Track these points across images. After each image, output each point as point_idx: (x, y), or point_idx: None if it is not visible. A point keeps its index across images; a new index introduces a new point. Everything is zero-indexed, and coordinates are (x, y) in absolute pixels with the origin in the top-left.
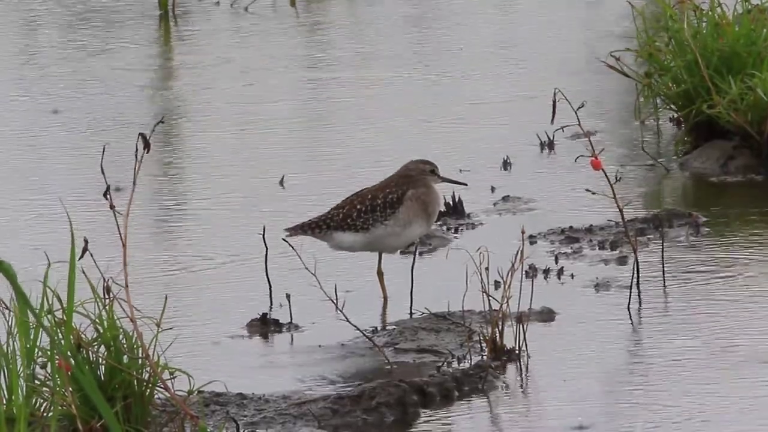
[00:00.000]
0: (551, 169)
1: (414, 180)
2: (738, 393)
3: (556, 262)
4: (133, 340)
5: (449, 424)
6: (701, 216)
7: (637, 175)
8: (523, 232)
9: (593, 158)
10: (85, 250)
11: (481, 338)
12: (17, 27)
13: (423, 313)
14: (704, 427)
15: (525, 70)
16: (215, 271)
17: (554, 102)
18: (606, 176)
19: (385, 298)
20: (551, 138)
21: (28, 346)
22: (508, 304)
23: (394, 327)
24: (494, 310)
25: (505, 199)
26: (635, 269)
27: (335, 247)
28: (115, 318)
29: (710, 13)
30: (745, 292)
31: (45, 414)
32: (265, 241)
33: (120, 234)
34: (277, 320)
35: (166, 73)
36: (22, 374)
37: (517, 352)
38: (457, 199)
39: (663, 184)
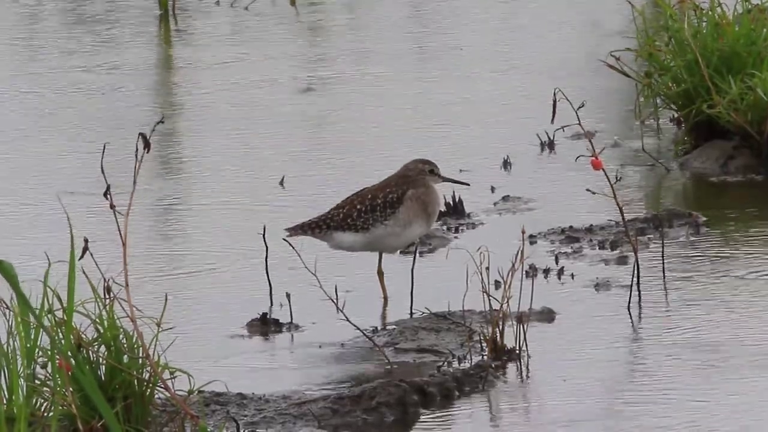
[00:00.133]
0: (551, 169)
1: (413, 180)
2: (738, 393)
3: (557, 262)
4: (134, 340)
5: (449, 424)
6: (701, 216)
7: (637, 175)
8: (523, 232)
9: (593, 158)
10: (85, 250)
11: (482, 338)
12: (17, 26)
13: (423, 313)
14: (704, 427)
15: (525, 70)
16: (215, 271)
17: (554, 102)
18: (606, 176)
19: (386, 298)
20: (551, 138)
21: (28, 346)
22: (508, 304)
23: (394, 327)
24: (494, 310)
25: (505, 199)
26: (635, 269)
27: (335, 247)
28: (116, 318)
29: (710, 12)
30: (745, 292)
31: (45, 414)
32: (265, 241)
33: (120, 234)
34: (277, 320)
35: (166, 72)
36: (22, 374)
37: (517, 352)
38: (457, 199)
39: (663, 184)
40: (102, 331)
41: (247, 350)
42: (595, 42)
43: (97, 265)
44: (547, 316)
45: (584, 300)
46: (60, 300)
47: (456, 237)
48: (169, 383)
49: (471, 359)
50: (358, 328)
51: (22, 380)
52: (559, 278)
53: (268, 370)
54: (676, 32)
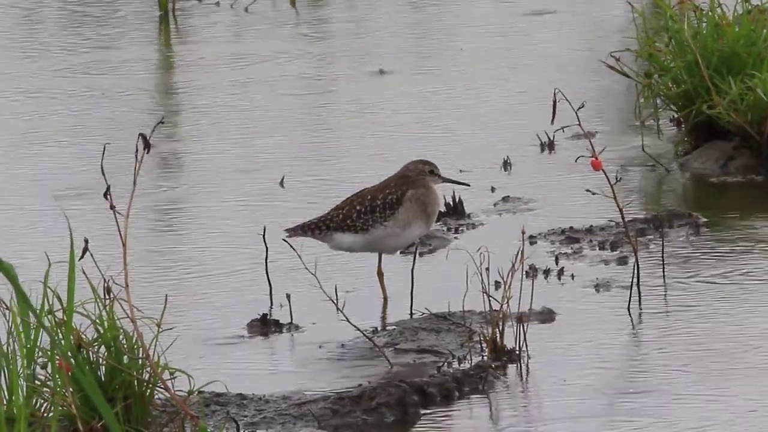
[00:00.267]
0: (551, 170)
1: (413, 180)
2: (738, 393)
3: (557, 263)
4: (134, 341)
5: (449, 425)
6: (701, 216)
7: (637, 176)
8: (523, 233)
9: (593, 158)
10: (85, 250)
11: (482, 338)
12: (17, 26)
13: (423, 314)
14: (704, 427)
15: (525, 70)
16: (215, 271)
17: (554, 102)
18: (606, 176)
19: (385, 299)
20: (551, 138)
21: (28, 346)
22: (508, 305)
23: (394, 327)
24: (494, 310)
25: (505, 199)
26: (635, 269)
27: (335, 248)
28: (116, 318)
29: (710, 13)
30: (746, 292)
31: (45, 414)
32: (265, 241)
33: (120, 234)
34: (277, 320)
35: (166, 73)
36: (22, 374)
37: (517, 352)
38: (457, 200)
39: (663, 184)
40: (102, 331)
41: (247, 350)
42: (595, 42)
43: (97, 265)
44: (547, 316)
45: (584, 300)
46: (60, 300)
47: (456, 237)
48: (169, 383)
49: (471, 360)
50: (358, 329)
51: (22, 380)
52: (559, 279)
53: (268, 370)
54: (676, 33)
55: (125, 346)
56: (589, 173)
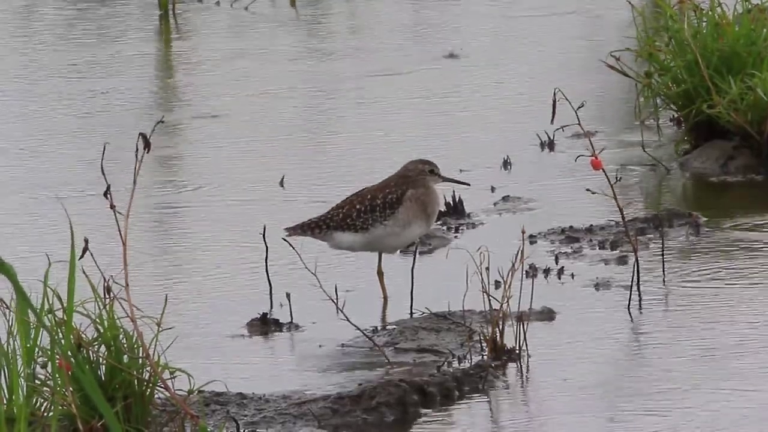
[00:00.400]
0: (551, 169)
1: (413, 180)
2: (739, 393)
3: (557, 262)
4: (134, 340)
5: (449, 424)
6: (701, 216)
7: (637, 176)
8: (523, 232)
9: (593, 158)
10: (85, 250)
11: (482, 338)
12: (16, 26)
13: (423, 313)
14: (705, 427)
15: (525, 70)
16: (215, 271)
17: (554, 102)
18: (606, 176)
19: (385, 298)
20: (551, 138)
21: (28, 345)
22: (508, 304)
23: (394, 327)
24: (494, 309)
25: (505, 199)
26: (635, 269)
27: (335, 247)
28: (116, 317)
29: (710, 13)
30: (745, 292)
31: (45, 414)
32: (265, 241)
33: (120, 234)
34: (277, 320)
35: (165, 72)
36: (22, 374)
37: (517, 351)
38: (457, 199)
39: (663, 184)
40: (102, 330)
41: (247, 350)
42: (595, 42)
43: (97, 264)
44: (547, 315)
45: (584, 300)
46: (60, 300)
47: (456, 237)
48: (169, 383)
49: (471, 359)
50: (358, 328)
51: (22, 380)
52: (559, 278)
53: (268, 370)
54: (676, 32)
55: (125, 345)
56: (589, 173)
